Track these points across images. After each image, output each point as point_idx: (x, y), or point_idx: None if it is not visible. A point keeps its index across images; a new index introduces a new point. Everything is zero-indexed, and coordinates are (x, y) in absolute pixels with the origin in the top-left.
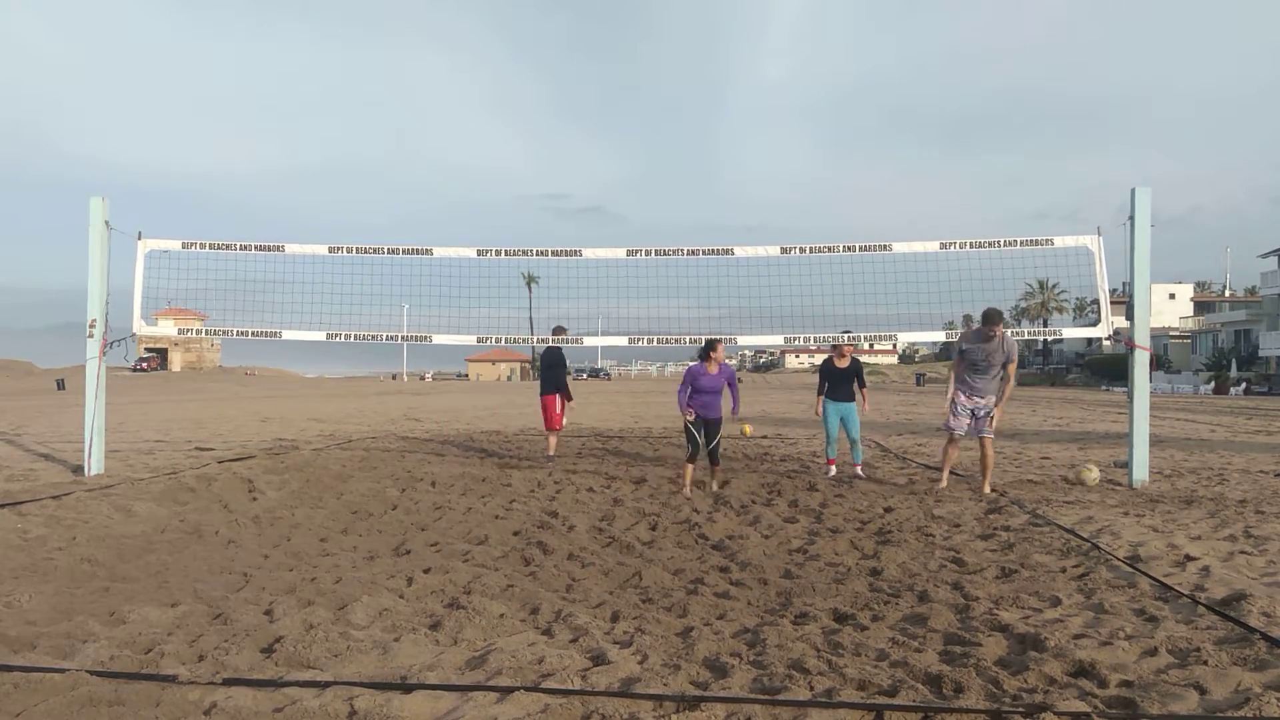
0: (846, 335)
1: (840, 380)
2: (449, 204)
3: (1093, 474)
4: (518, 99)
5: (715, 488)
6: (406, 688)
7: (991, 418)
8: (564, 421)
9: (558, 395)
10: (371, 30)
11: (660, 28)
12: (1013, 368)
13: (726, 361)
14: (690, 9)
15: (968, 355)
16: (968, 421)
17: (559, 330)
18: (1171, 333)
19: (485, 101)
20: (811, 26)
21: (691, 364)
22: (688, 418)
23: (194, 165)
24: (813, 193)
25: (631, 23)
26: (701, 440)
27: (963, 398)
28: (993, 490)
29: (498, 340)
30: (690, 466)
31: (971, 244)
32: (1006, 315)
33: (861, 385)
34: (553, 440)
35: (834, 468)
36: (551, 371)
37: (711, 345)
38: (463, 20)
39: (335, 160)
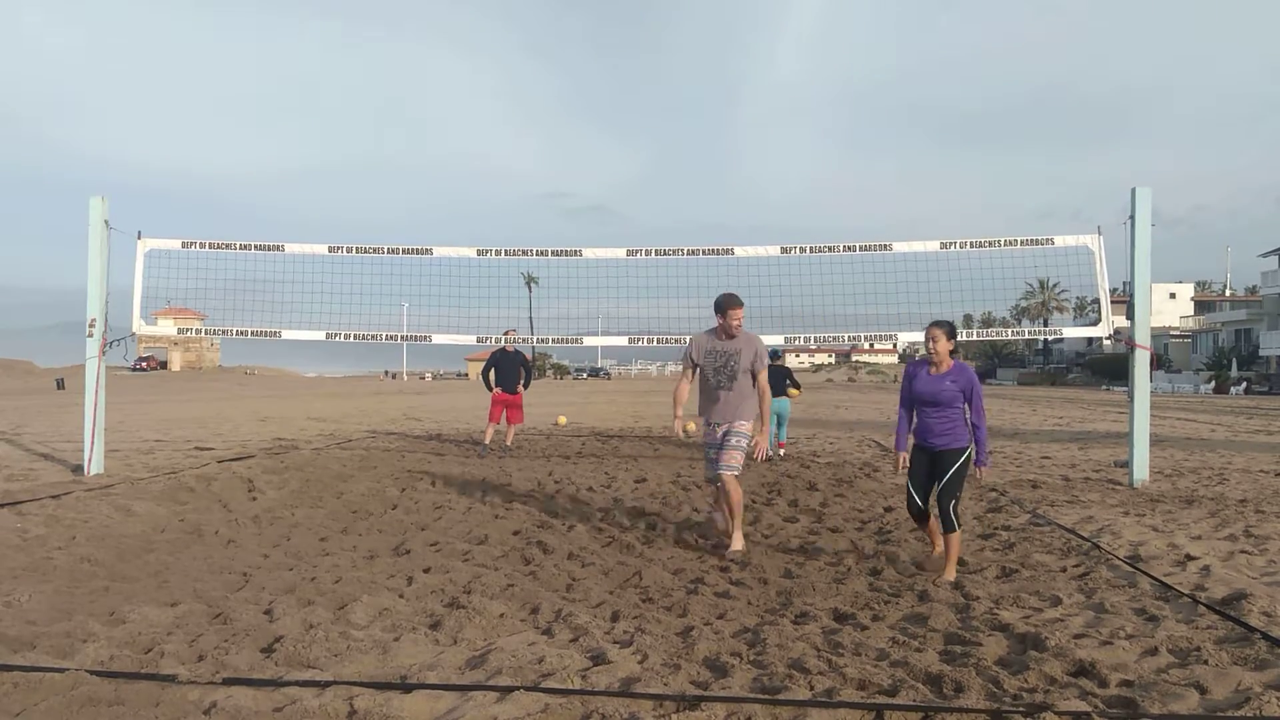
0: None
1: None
2: (450, 202)
3: None
4: (524, 97)
5: (946, 576)
6: (406, 688)
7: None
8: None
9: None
10: (379, 29)
11: (669, 25)
12: (763, 376)
13: (963, 362)
14: (700, 7)
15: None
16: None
17: (511, 330)
18: (1172, 332)
19: (491, 99)
20: (824, 25)
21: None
22: (899, 466)
23: (203, 164)
24: (818, 192)
25: (639, 20)
26: (911, 489)
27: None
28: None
29: (497, 340)
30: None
31: (972, 244)
32: (1007, 315)
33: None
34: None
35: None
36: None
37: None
38: (472, 17)
39: (341, 158)
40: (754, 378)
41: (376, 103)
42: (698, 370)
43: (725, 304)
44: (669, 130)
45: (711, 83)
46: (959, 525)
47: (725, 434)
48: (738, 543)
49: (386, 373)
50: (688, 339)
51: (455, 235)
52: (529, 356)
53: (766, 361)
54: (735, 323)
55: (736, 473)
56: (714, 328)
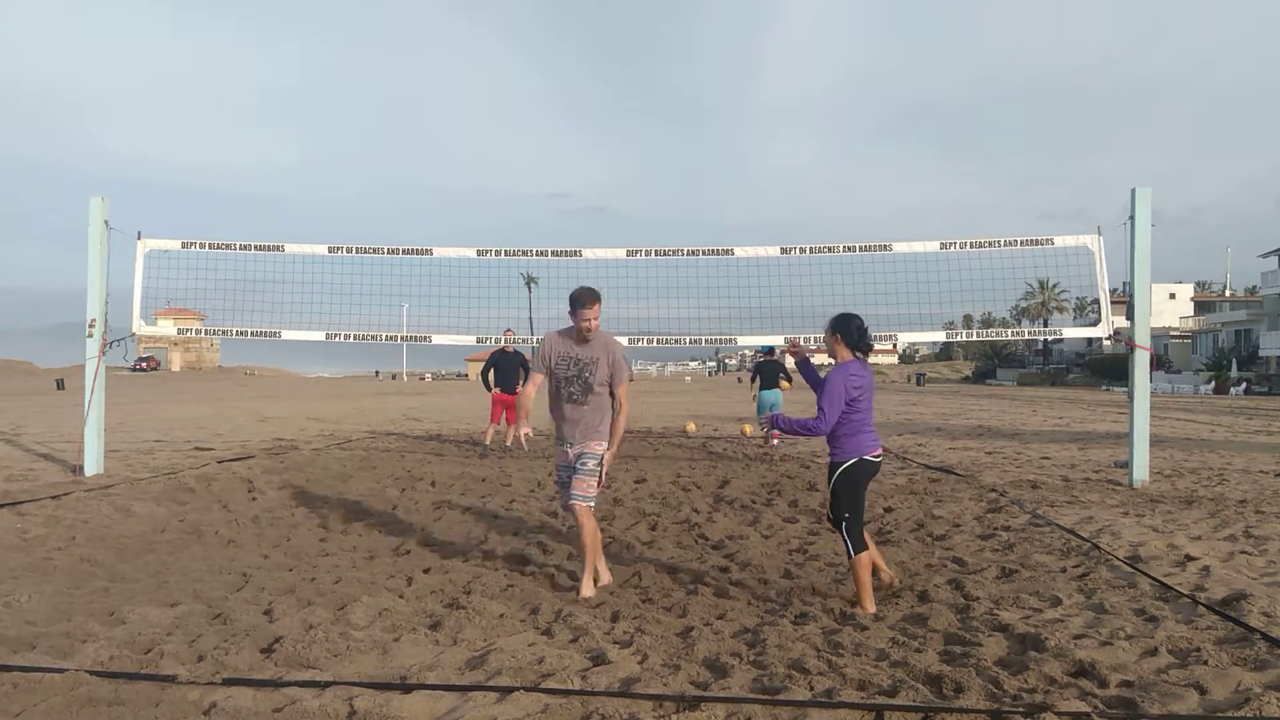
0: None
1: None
2: (453, 202)
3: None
4: (526, 97)
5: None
6: (406, 688)
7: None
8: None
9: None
10: (385, 29)
11: (671, 24)
12: (623, 390)
13: (845, 362)
14: (704, 7)
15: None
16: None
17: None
18: (1172, 333)
19: (495, 98)
20: (828, 26)
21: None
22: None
23: (205, 164)
24: (818, 191)
25: (643, 20)
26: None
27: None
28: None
29: (497, 341)
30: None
31: (972, 244)
32: (1007, 315)
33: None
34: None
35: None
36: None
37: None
38: (476, 21)
39: (343, 159)
40: (612, 391)
41: (377, 102)
42: (549, 376)
43: (580, 299)
44: (671, 132)
45: (713, 83)
46: (853, 550)
47: (579, 456)
48: (587, 588)
49: (378, 373)
50: (539, 338)
51: (455, 237)
52: (529, 357)
53: (626, 374)
54: (586, 324)
55: (590, 503)
56: (568, 328)
